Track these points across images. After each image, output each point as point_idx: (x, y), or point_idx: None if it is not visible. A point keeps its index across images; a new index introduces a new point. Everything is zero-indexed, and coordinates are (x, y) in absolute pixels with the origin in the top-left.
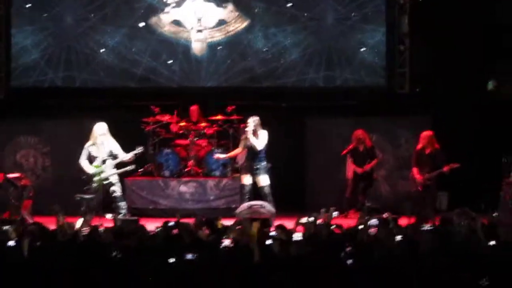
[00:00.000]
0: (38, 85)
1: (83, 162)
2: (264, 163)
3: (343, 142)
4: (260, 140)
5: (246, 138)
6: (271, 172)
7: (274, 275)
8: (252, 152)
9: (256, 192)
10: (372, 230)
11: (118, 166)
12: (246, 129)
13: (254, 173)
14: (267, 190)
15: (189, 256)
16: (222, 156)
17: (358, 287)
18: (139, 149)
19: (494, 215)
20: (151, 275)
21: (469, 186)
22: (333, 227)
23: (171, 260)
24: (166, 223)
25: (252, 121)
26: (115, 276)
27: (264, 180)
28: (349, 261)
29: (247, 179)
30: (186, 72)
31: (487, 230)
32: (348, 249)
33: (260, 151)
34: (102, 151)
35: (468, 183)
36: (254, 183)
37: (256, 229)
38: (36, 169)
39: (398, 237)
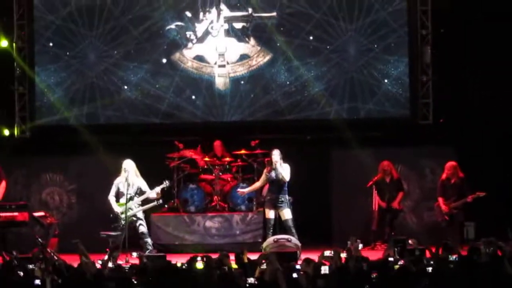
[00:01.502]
0: (63, 122)
1: (112, 198)
2: (287, 197)
3: (368, 174)
4: (286, 172)
5: (270, 171)
6: (293, 206)
7: None
8: (276, 185)
9: (280, 225)
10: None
11: (144, 202)
12: (274, 160)
13: (277, 206)
14: (290, 223)
15: None
16: (245, 190)
17: None
18: (165, 184)
19: None
20: None
21: (495, 216)
22: (359, 259)
23: None
24: (193, 258)
25: (278, 153)
26: None
27: (287, 213)
28: None
29: (271, 213)
30: (210, 107)
31: None
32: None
33: (284, 184)
34: (130, 188)
35: (495, 213)
36: (278, 217)
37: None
38: (61, 207)
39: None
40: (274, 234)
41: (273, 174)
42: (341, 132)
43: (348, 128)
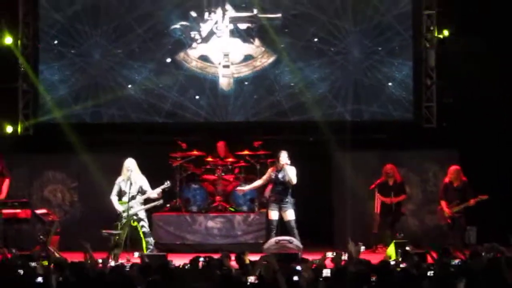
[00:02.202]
0: (66, 121)
1: (114, 198)
2: (291, 198)
3: (371, 176)
4: (293, 174)
5: (276, 171)
6: (296, 207)
7: None
8: (282, 187)
9: (282, 226)
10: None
11: (146, 201)
12: (283, 161)
13: (281, 207)
14: (293, 224)
15: None
16: (245, 188)
17: None
18: (166, 184)
19: None
20: None
21: (497, 221)
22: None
23: None
24: (195, 258)
25: (286, 155)
26: None
27: (290, 214)
28: None
29: (274, 214)
30: (213, 107)
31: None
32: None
33: (290, 186)
34: (132, 187)
35: (497, 218)
36: (280, 218)
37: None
38: (63, 205)
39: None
40: (277, 235)
41: (280, 175)
42: (344, 134)
43: (351, 130)
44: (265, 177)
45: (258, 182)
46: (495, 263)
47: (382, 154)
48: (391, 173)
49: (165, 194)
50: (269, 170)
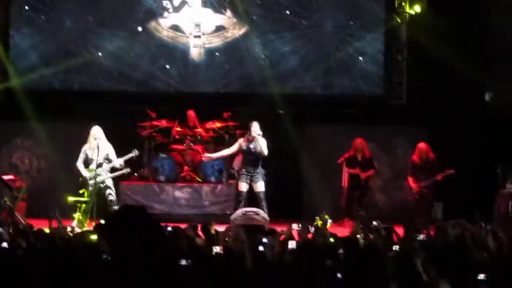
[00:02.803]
0: (36, 87)
1: (80, 165)
2: (262, 169)
3: (340, 150)
4: (265, 146)
5: (247, 142)
6: (266, 179)
7: (266, 283)
8: (253, 158)
9: (250, 198)
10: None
11: (112, 170)
12: (255, 132)
13: (252, 178)
14: (262, 196)
15: (183, 262)
16: (212, 155)
17: None
18: (134, 153)
19: (487, 226)
20: (143, 279)
21: (464, 197)
22: (327, 235)
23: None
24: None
25: (258, 126)
26: (106, 280)
27: (261, 186)
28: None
29: (244, 186)
30: (184, 77)
31: (478, 240)
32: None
33: (261, 157)
34: (98, 155)
35: (463, 194)
36: (249, 189)
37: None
38: (31, 171)
39: (395, 247)
40: (245, 207)
41: (251, 146)
42: (315, 108)
43: (321, 104)
44: (234, 147)
45: (226, 151)
46: (461, 239)
47: (352, 129)
48: (360, 148)
49: (133, 163)
50: (240, 140)
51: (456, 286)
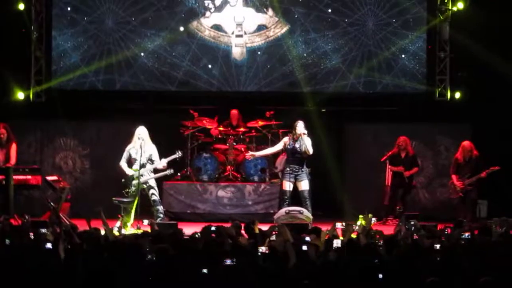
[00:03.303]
0: (78, 87)
1: (123, 164)
2: (306, 168)
3: (382, 148)
4: (310, 145)
5: (292, 141)
6: (311, 177)
7: (308, 281)
8: (298, 157)
9: (294, 196)
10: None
11: (156, 170)
12: (300, 131)
13: (296, 177)
14: (307, 194)
15: (228, 262)
16: (255, 153)
17: None
18: (177, 154)
19: None
20: (188, 279)
21: (509, 195)
22: (373, 233)
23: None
24: (206, 227)
25: (303, 125)
26: (150, 280)
27: (305, 184)
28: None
29: (288, 185)
30: (226, 77)
31: None
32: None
33: (307, 156)
34: (142, 155)
35: (508, 192)
36: (294, 188)
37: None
38: (74, 172)
39: (437, 246)
40: (289, 206)
41: (296, 145)
42: (357, 106)
43: (364, 102)
44: (279, 146)
45: (270, 150)
46: (506, 238)
47: (394, 127)
48: (403, 146)
49: (176, 163)
50: (284, 139)
51: (501, 282)
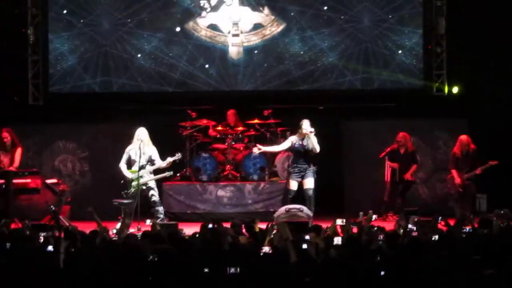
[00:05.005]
0: (76, 90)
1: (123, 165)
2: (313, 166)
3: (381, 145)
4: (316, 143)
5: (300, 139)
6: (317, 175)
7: (309, 278)
8: (305, 155)
9: (298, 194)
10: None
11: (156, 171)
12: (306, 130)
13: (302, 175)
14: (311, 193)
15: (232, 270)
16: (263, 148)
17: None
18: (177, 156)
19: None
20: (188, 279)
21: (508, 188)
22: (375, 229)
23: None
24: (205, 226)
25: (309, 123)
26: (151, 280)
27: (310, 182)
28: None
29: (294, 184)
30: (223, 76)
31: None
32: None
33: (314, 154)
34: (142, 156)
35: (508, 185)
36: (299, 186)
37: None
38: (74, 175)
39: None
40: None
41: (304, 143)
42: (354, 103)
43: (361, 98)
44: (286, 144)
45: (277, 147)
46: (507, 230)
47: (392, 122)
48: (402, 142)
49: (175, 163)
50: (291, 137)
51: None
